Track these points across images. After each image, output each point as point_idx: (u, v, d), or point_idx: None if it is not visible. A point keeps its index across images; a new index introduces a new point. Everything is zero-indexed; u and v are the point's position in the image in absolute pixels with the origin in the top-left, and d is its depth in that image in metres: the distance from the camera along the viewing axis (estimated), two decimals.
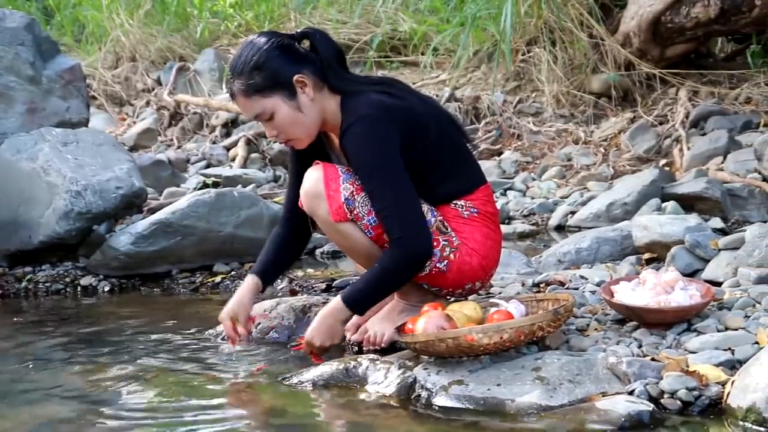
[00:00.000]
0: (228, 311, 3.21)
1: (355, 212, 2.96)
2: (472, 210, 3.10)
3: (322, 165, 3.01)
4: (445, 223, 3.06)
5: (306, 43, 3.06)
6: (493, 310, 2.93)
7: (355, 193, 2.95)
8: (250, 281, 3.23)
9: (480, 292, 3.33)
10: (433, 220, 3.03)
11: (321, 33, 3.08)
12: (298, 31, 3.12)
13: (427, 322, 2.80)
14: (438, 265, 3.03)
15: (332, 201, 2.95)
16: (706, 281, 3.25)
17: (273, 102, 2.96)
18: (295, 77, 2.96)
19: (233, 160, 6.45)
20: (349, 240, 3.01)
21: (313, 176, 2.99)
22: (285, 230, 3.27)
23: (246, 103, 2.99)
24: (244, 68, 2.96)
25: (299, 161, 3.17)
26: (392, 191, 2.93)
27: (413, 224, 2.94)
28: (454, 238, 3.06)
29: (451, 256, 3.04)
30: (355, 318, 3.24)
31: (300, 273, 4.28)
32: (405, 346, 2.88)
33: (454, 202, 3.09)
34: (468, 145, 3.22)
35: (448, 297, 3.16)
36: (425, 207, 3.02)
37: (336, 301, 2.99)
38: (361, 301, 2.98)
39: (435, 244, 3.02)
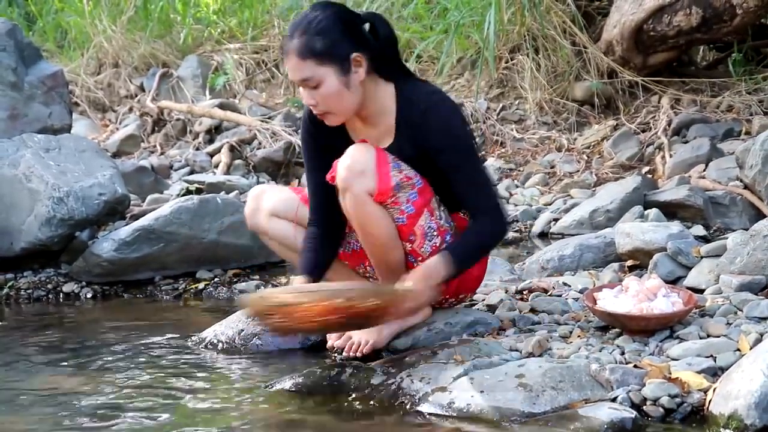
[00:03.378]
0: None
1: (396, 197, 2.95)
2: None
3: (374, 146, 2.99)
4: (457, 232, 3.09)
5: (367, 26, 3.04)
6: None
7: (403, 180, 2.96)
8: (299, 280, 3.12)
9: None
10: (447, 225, 3.06)
11: (384, 20, 3.06)
12: (363, 12, 3.11)
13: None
14: None
15: (383, 181, 2.93)
16: (689, 288, 3.26)
17: (324, 72, 2.92)
18: (353, 55, 2.93)
19: (216, 166, 6.42)
20: (375, 222, 2.97)
21: (363, 153, 2.95)
22: (320, 231, 3.15)
23: (297, 65, 2.93)
24: (307, 29, 2.91)
25: (318, 154, 3.10)
26: (483, 169, 3.06)
27: (499, 200, 3.06)
28: None
29: None
30: None
31: (284, 279, 4.27)
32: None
33: (462, 211, 3.12)
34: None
35: (440, 305, 3.18)
36: (444, 213, 3.07)
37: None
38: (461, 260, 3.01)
39: None
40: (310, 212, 3.17)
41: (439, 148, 2.96)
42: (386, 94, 3.02)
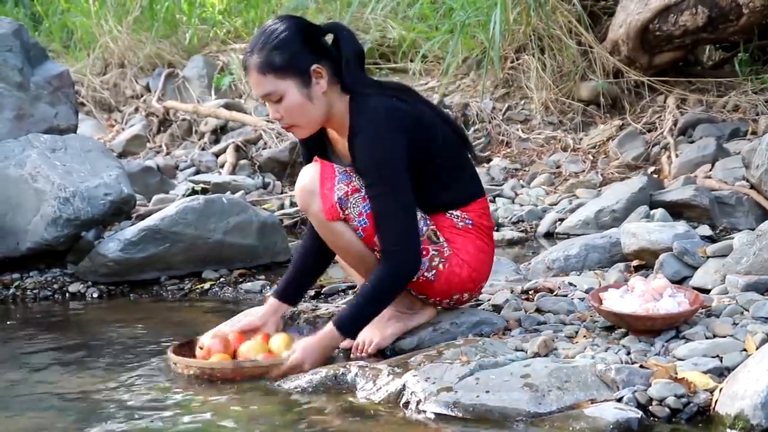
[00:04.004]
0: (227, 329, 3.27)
1: (346, 212, 2.96)
2: (467, 221, 3.11)
3: (319, 162, 3.02)
4: (438, 233, 3.07)
5: (330, 37, 3.05)
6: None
7: (349, 193, 2.96)
8: (269, 303, 3.26)
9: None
10: (425, 228, 3.04)
11: (347, 30, 3.06)
12: (326, 23, 3.12)
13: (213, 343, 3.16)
14: (426, 274, 3.04)
15: (325, 199, 2.96)
16: (695, 288, 3.25)
17: (285, 85, 2.94)
18: (313, 67, 2.95)
19: (222, 166, 6.44)
20: (341, 239, 3.01)
21: (310, 173, 3.00)
22: (309, 243, 3.24)
23: (258, 80, 2.96)
24: (265, 45, 2.93)
25: (310, 157, 3.14)
26: (394, 201, 2.94)
27: (407, 236, 2.96)
28: (445, 249, 3.06)
29: (440, 266, 3.05)
30: None
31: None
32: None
33: (450, 211, 3.10)
34: (470, 155, 3.22)
35: (437, 305, 3.17)
36: (418, 214, 3.03)
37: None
38: (352, 325, 3.03)
39: (424, 253, 3.02)
40: None
41: (361, 171, 2.98)
42: (344, 106, 3.02)
